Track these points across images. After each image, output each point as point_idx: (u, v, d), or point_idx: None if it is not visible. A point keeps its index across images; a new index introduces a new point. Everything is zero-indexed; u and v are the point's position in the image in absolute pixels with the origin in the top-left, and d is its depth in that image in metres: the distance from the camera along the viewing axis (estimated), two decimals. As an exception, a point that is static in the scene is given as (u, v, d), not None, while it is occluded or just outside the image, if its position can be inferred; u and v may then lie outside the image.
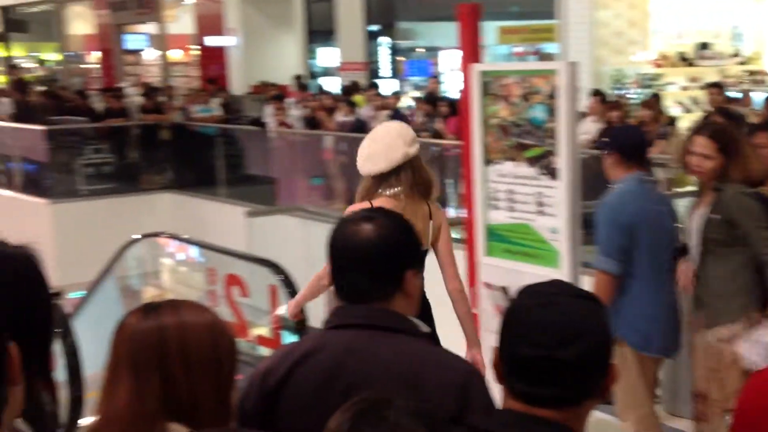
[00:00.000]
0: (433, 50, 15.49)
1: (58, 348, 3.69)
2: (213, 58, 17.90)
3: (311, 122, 11.78)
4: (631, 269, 3.69)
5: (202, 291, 6.20)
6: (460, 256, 3.95)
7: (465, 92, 4.19)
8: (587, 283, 3.62)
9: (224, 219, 10.36)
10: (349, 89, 12.68)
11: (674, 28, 12.11)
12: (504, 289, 3.96)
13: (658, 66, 11.92)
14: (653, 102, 9.26)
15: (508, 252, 3.98)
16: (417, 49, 16.15)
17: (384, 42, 15.69)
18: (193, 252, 6.87)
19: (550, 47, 12.96)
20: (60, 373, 3.85)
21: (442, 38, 14.73)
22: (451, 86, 13.59)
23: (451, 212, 8.96)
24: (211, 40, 17.83)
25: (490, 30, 12.87)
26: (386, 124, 3.89)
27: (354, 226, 1.94)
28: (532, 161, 3.87)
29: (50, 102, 15.14)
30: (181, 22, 19.43)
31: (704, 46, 12.28)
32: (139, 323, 1.72)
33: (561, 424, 1.52)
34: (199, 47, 18.66)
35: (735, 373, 3.59)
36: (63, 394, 3.85)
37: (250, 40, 16.97)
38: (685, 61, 12.10)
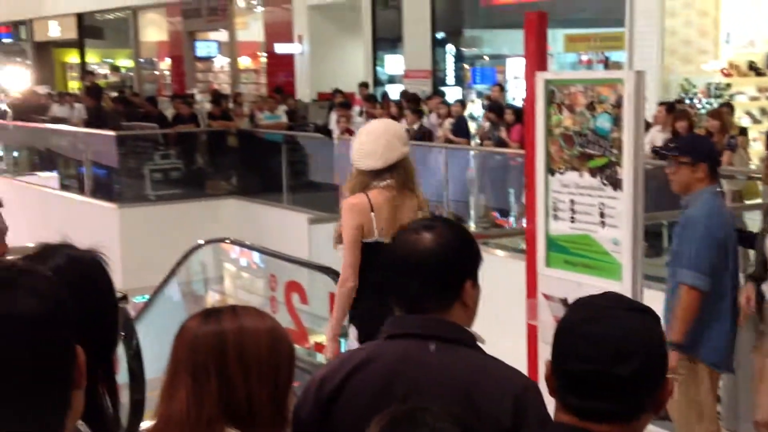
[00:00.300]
0: (498, 58, 15.41)
1: (121, 351, 3.75)
2: (281, 65, 18.10)
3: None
4: (717, 286, 3.62)
5: (263, 297, 6.25)
6: (520, 266, 3.91)
7: (529, 101, 4.15)
8: (649, 297, 3.55)
9: (287, 225, 10.44)
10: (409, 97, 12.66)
11: (745, 37, 11.83)
12: (564, 301, 3.90)
13: (727, 75, 11.65)
14: (720, 112, 9.05)
15: (568, 263, 3.92)
16: (483, 57, 16.08)
17: (450, 50, 15.66)
18: (255, 258, 6.93)
19: (617, 55, 12.77)
20: (122, 376, 3.93)
21: (508, 46, 14.65)
22: (516, 94, 13.50)
23: (512, 222, 8.89)
24: (279, 48, 18.03)
25: (557, 38, 12.75)
26: (383, 122, 4.24)
27: (414, 235, 1.94)
28: (596, 171, 3.80)
29: (122, 108, 15.49)
30: (251, 29, 19.71)
31: (775, 55, 11.97)
32: (199, 328, 1.73)
33: None
34: (267, 54, 18.89)
35: None
36: (124, 397, 3.91)
37: (317, 48, 17.12)
38: (754, 70, 11.80)
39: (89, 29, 24.34)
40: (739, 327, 3.81)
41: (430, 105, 11.96)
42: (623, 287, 3.53)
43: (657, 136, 8.49)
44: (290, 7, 17.47)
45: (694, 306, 3.60)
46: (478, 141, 10.98)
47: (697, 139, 4.88)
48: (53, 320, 1.17)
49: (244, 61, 20.54)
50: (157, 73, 23.22)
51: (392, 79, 16.41)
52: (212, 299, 6.95)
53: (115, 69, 25.22)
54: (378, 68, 16.64)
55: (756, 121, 11.23)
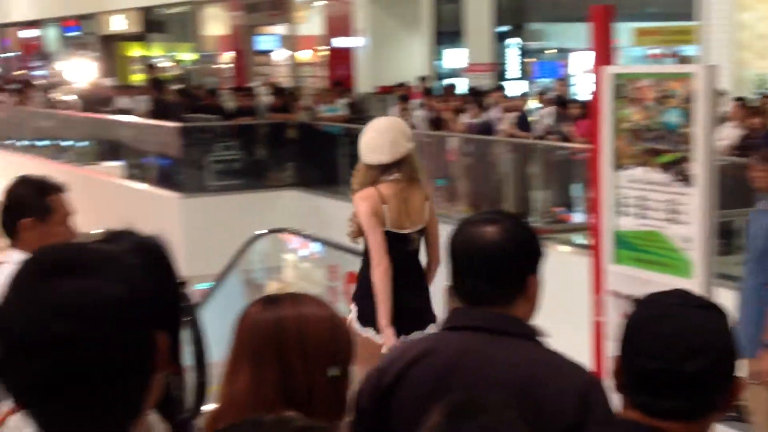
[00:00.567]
0: (563, 51, 15.23)
1: (185, 336, 3.79)
2: (340, 58, 18.16)
3: (436, 123, 11.77)
4: None
5: (323, 287, 6.27)
6: (583, 262, 3.85)
7: (596, 95, 4.08)
8: (723, 295, 3.46)
9: (346, 217, 10.46)
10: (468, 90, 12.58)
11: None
12: (631, 298, 3.83)
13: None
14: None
15: (636, 260, 3.85)
16: (547, 51, 15.91)
17: (513, 43, 15.52)
18: (315, 248, 6.97)
19: (689, 50, 12.52)
20: (185, 359, 3.96)
21: (574, 39, 14.46)
22: (581, 88, 13.34)
23: (578, 217, 8.77)
24: (339, 41, 18.09)
25: (625, 31, 12.56)
26: (388, 119, 4.51)
27: (478, 228, 1.93)
28: (665, 167, 3.72)
29: (184, 100, 15.72)
30: (311, 23, 19.81)
31: None
32: (259, 314, 1.76)
33: None
34: (327, 48, 18.97)
35: None
36: (188, 380, 3.96)
37: (377, 41, 17.13)
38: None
39: (153, 23, 24.76)
40: None
41: (492, 99, 11.87)
42: (694, 285, 3.45)
43: (731, 132, 8.30)
44: (351, 0, 17.51)
45: None
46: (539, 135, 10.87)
47: None
48: (137, 305, 1.18)
49: (304, 55, 20.66)
50: (218, 66, 23.51)
51: (452, 73, 16.35)
52: (272, 288, 7.01)
53: (177, 62, 25.60)
54: (438, 62, 16.58)
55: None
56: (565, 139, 9.92)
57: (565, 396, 1.81)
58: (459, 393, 1.51)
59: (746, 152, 6.48)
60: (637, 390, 1.50)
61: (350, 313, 4.16)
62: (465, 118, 11.17)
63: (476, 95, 11.87)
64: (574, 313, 3.98)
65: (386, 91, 15.45)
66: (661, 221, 3.74)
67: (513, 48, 15.52)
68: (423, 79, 14.61)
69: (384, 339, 3.97)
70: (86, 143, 16.03)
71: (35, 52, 27.92)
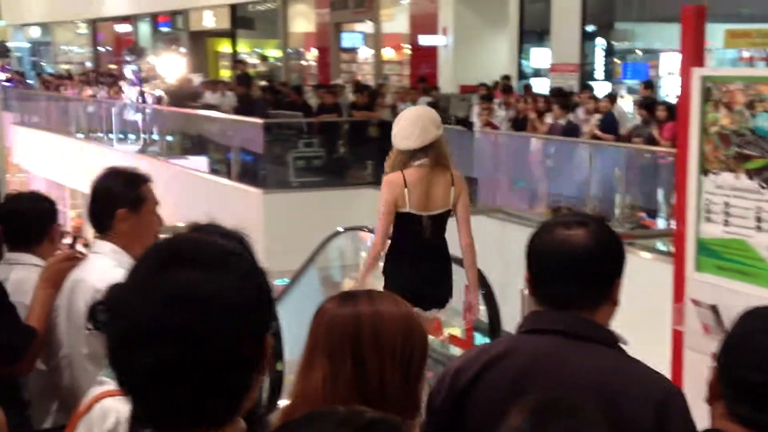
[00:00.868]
0: (651, 52, 14.91)
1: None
2: (424, 57, 18.15)
3: (518, 123, 11.67)
4: None
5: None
6: (665, 269, 3.77)
7: (683, 97, 3.99)
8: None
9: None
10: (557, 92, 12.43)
11: None
12: (713, 308, 3.74)
13: None
14: None
15: (720, 269, 3.75)
16: (635, 51, 15.59)
17: (600, 43, 15.26)
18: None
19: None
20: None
21: (663, 40, 14.15)
22: (669, 90, 13.04)
23: (661, 223, 8.58)
24: (423, 40, 18.09)
25: (716, 33, 12.21)
26: (420, 108, 4.99)
27: (566, 231, 1.90)
28: (754, 173, 3.61)
29: (269, 96, 15.94)
30: (396, 21, 19.85)
31: None
32: (336, 309, 1.76)
33: None
34: (411, 46, 18.98)
35: None
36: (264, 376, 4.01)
37: (461, 40, 17.06)
38: None
39: (241, 20, 25.16)
40: None
41: (579, 99, 11.70)
42: (780, 297, 3.35)
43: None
44: (436, -2, 17.51)
45: None
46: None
47: None
48: (256, 305, 1.19)
49: (388, 53, 20.72)
50: (303, 63, 23.76)
51: (537, 73, 16.17)
52: (348, 285, 7.05)
53: (263, 59, 25.97)
54: (523, 61, 16.42)
55: None
56: (651, 142, 9.70)
57: (643, 405, 1.78)
58: (541, 394, 1.49)
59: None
60: (736, 402, 1.48)
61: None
62: (549, 119, 11.04)
63: (560, 95, 11.71)
64: (656, 321, 3.90)
65: (469, 90, 15.38)
66: (748, 229, 3.63)
67: (599, 48, 15.27)
68: (506, 78, 14.48)
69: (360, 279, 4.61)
70: (172, 137, 16.40)
71: (128, 46, 28.68)
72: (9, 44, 36.02)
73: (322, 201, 11.73)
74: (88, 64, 30.94)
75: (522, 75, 16.12)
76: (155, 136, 16.68)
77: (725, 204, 3.74)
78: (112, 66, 29.14)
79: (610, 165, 9.61)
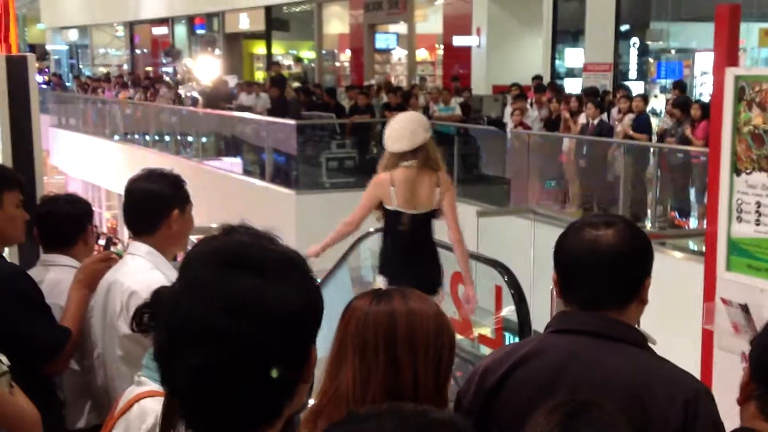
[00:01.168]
0: (686, 52, 14.76)
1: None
2: (457, 57, 18.12)
3: (551, 123, 11.61)
4: None
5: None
6: (697, 268, 3.74)
7: (717, 97, 3.96)
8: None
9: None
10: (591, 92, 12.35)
11: None
12: (744, 307, 3.70)
13: None
14: None
15: (751, 268, 3.71)
16: (669, 51, 15.44)
17: (634, 42, 15.14)
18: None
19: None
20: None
21: (698, 39, 14.01)
22: (704, 90, 12.90)
23: (693, 223, 8.50)
24: (457, 40, 18.06)
25: (752, 32, 12.06)
26: (411, 114, 5.26)
27: (593, 232, 1.89)
28: (787, 173, 3.57)
29: (303, 98, 16.00)
30: (430, 21, 19.85)
31: None
32: (368, 307, 1.75)
33: None
34: (444, 47, 18.96)
35: None
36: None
37: (495, 40, 17.01)
38: None
39: (276, 21, 25.28)
40: None
41: (612, 100, 11.62)
42: (812, 297, 3.31)
43: None
44: (470, -1, 17.47)
45: None
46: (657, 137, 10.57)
47: None
48: (305, 316, 1.19)
49: (422, 54, 20.71)
50: (337, 64, 23.82)
51: (571, 73, 16.07)
52: (379, 286, 7.06)
53: (298, 60, 26.07)
54: (557, 61, 16.33)
55: None
56: (684, 141, 9.61)
57: (671, 405, 1.77)
58: (569, 396, 1.48)
59: None
60: None
61: (376, 280, 5.01)
62: (582, 119, 10.98)
63: (593, 95, 11.64)
64: (686, 321, 3.87)
65: (502, 91, 15.34)
66: (781, 229, 3.60)
67: (633, 47, 15.14)
68: (538, 78, 14.42)
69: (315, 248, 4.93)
70: (206, 139, 16.51)
71: (164, 49, 28.94)
72: (48, 47, 36.51)
73: (354, 202, 11.63)
74: (125, 67, 31.28)
75: (555, 75, 16.03)
76: (190, 138, 16.81)
77: (757, 204, 3.70)
78: (149, 68, 29.44)
79: (643, 165, 9.53)
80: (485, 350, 5.26)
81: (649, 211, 9.25)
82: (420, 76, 19.14)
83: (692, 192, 8.93)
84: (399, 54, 21.44)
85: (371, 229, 7.15)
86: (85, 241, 3.06)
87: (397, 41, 21.38)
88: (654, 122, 11.25)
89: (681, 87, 11.98)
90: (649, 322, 1.95)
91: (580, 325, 1.88)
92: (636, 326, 1.94)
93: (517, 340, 4.97)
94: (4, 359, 2.14)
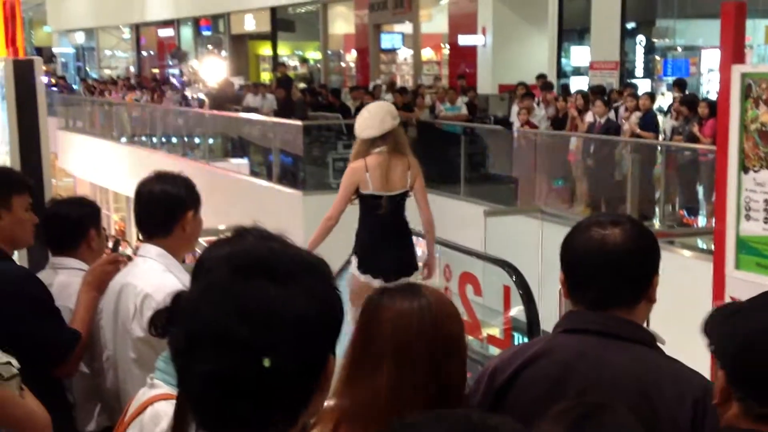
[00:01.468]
0: (692, 49, 14.73)
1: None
2: (463, 56, 18.11)
3: (558, 122, 11.60)
4: None
5: (438, 287, 6.25)
6: (706, 267, 3.73)
7: (723, 95, 3.95)
8: None
9: (463, 217, 10.45)
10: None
11: None
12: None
13: None
14: None
15: (760, 266, 3.70)
16: (675, 48, 15.40)
17: (640, 40, 15.11)
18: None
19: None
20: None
21: (704, 37, 13.97)
22: (711, 87, 12.87)
23: (702, 221, 8.48)
24: (462, 39, 18.05)
25: (758, 29, 12.02)
26: (379, 103, 5.66)
27: (600, 231, 1.89)
28: (795, 170, 3.56)
29: (309, 98, 16.01)
30: (435, 21, 19.84)
31: None
32: (401, 305, 1.68)
33: None
34: (450, 46, 18.96)
35: None
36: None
37: (500, 39, 16.99)
38: None
39: (282, 22, 25.31)
40: None
41: (616, 97, 11.59)
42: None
43: None
44: (475, -3, 17.46)
45: None
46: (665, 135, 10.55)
47: None
48: (325, 325, 1.18)
49: (427, 53, 20.71)
50: (343, 65, 23.83)
51: (577, 71, 16.04)
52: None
53: (304, 61, 26.08)
54: (563, 60, 16.31)
55: None
56: (692, 139, 9.59)
57: (681, 403, 1.78)
58: (577, 397, 1.47)
59: None
60: (756, 401, 1.45)
61: (350, 261, 5.17)
62: (589, 117, 10.96)
63: (599, 93, 11.63)
64: (696, 319, 3.86)
65: (508, 89, 15.33)
66: (789, 227, 3.59)
67: (639, 45, 15.11)
68: (542, 77, 14.41)
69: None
70: (213, 140, 16.54)
71: (170, 50, 29.00)
72: (54, 50, 36.62)
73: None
74: (132, 69, 31.35)
75: (561, 73, 16.01)
76: (197, 140, 16.83)
77: (765, 201, 3.69)
78: (155, 70, 29.49)
79: (651, 163, 9.52)
80: (494, 350, 5.26)
81: (657, 210, 9.23)
82: (434, 76, 19.07)
83: (700, 190, 8.91)
84: (404, 54, 21.44)
85: (378, 230, 7.15)
86: (88, 244, 3.04)
87: (403, 41, 21.38)
88: (661, 120, 11.24)
89: (681, 85, 11.99)
90: (657, 321, 1.95)
91: (588, 325, 1.88)
92: (645, 325, 1.94)
93: (525, 340, 4.97)
94: (14, 362, 2.15)
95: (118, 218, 21.56)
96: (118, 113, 20.01)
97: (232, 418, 1.15)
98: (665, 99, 13.10)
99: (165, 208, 2.69)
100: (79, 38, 35.88)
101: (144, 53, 32.15)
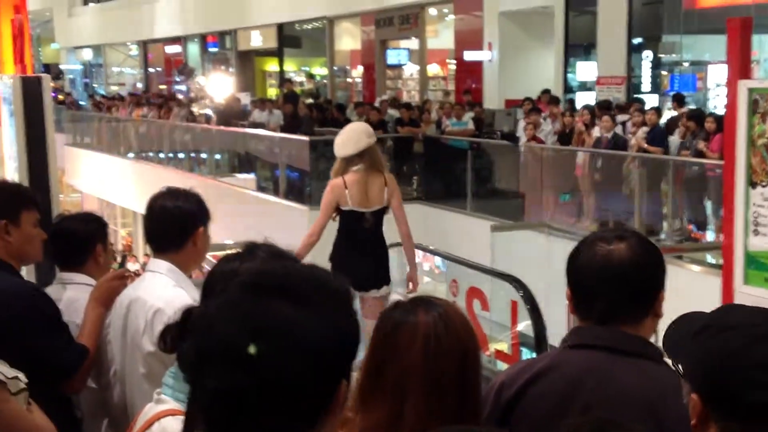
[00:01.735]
0: (699, 64, 14.74)
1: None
2: (469, 72, 18.15)
3: (564, 137, 11.60)
4: None
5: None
6: (715, 282, 3.72)
7: (730, 109, 3.95)
8: None
9: (470, 232, 10.45)
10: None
11: None
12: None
13: None
14: None
15: (769, 282, 3.69)
16: (682, 63, 15.41)
17: (647, 55, 15.12)
18: (438, 263, 6.97)
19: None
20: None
21: (711, 52, 13.98)
22: (718, 102, 12.86)
23: (710, 236, 8.45)
24: (468, 55, 18.10)
25: (765, 44, 12.02)
26: (355, 124, 6.05)
27: (606, 246, 1.90)
28: (803, 185, 3.55)
29: (316, 114, 16.06)
30: (441, 37, 19.90)
31: None
32: (434, 327, 1.62)
33: None
34: (456, 62, 19.01)
35: None
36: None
37: (506, 55, 17.03)
38: None
39: (288, 38, 25.42)
40: None
41: (627, 112, 11.60)
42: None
43: None
44: (481, 14, 17.49)
45: None
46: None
47: None
48: (339, 350, 1.18)
49: (433, 69, 20.76)
50: (349, 80, 23.90)
51: (584, 86, 16.06)
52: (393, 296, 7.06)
53: (310, 77, 26.17)
54: (569, 75, 16.34)
55: None
56: (699, 154, 9.58)
57: (688, 419, 1.77)
58: (584, 416, 1.45)
59: None
60: (733, 423, 1.40)
61: None
62: (596, 132, 10.96)
63: (606, 108, 11.64)
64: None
65: (513, 105, 15.36)
66: (798, 242, 3.58)
67: (646, 60, 15.13)
68: (546, 92, 14.44)
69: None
70: (220, 156, 16.59)
71: (177, 67, 29.14)
72: (62, 66, 36.82)
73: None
74: (139, 85, 31.49)
75: (568, 88, 16.03)
76: (204, 155, 16.89)
77: (774, 216, 3.68)
78: (162, 86, 29.62)
79: (658, 178, 9.50)
80: (502, 366, 5.25)
81: (665, 224, 9.21)
82: (443, 91, 19.09)
83: (709, 205, 8.89)
84: (411, 69, 21.49)
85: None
86: (96, 260, 3.05)
87: (409, 57, 21.44)
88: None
89: (679, 100, 12.02)
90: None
91: (594, 340, 1.88)
92: (652, 340, 1.93)
93: (533, 355, 4.96)
94: (22, 376, 2.15)
95: (125, 233, 21.61)
96: (126, 129, 20.09)
97: None
98: (672, 114, 13.11)
99: (178, 223, 2.69)
100: (87, 55, 36.08)
101: (151, 69, 32.31)
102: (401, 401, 1.60)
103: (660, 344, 1.92)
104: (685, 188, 9.40)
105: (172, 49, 30.27)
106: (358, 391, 1.64)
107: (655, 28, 15.23)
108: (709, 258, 7.61)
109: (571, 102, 14.10)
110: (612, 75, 14.56)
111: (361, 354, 1.57)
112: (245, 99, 20.43)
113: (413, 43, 20.84)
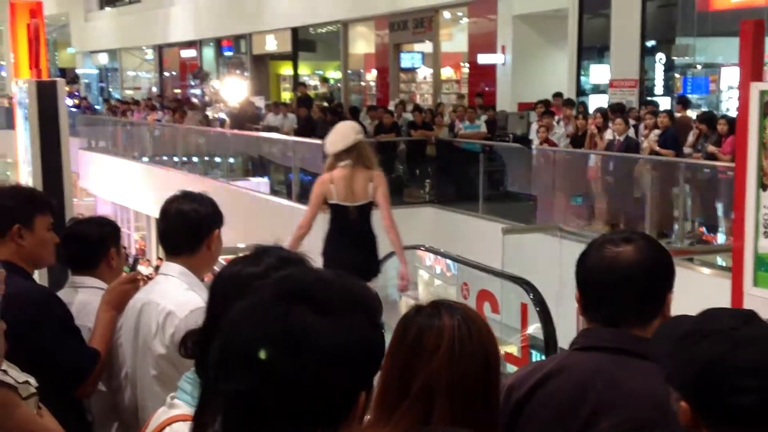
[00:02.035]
0: (712, 67, 14.67)
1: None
2: (483, 75, 18.14)
3: (577, 140, 11.58)
4: None
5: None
6: (725, 284, 3.72)
7: (742, 112, 3.95)
8: None
9: (481, 234, 10.44)
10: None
11: None
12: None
13: None
14: None
15: (780, 285, 3.68)
16: (695, 66, 15.35)
17: (659, 58, 15.08)
18: (449, 266, 6.96)
19: None
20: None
21: (724, 54, 13.92)
22: (731, 104, 12.81)
23: (721, 238, 8.42)
24: (482, 58, 18.09)
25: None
26: (344, 123, 6.05)
27: (614, 248, 1.90)
28: (814, 188, 3.54)
29: (330, 117, 16.08)
30: (455, 40, 19.89)
31: None
32: (456, 332, 1.60)
33: None
34: (469, 65, 18.99)
35: None
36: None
37: (520, 58, 17.00)
38: None
39: (302, 42, 25.44)
40: None
41: (639, 115, 11.56)
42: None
43: None
44: (495, 17, 17.48)
45: None
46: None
47: None
48: (362, 362, 1.18)
49: (447, 72, 20.76)
50: (363, 84, 23.92)
51: (597, 89, 16.02)
52: (406, 305, 7.06)
53: (324, 80, 26.20)
54: (582, 78, 16.29)
55: None
56: (711, 157, 9.54)
57: None
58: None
59: None
60: (727, 429, 1.41)
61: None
62: (609, 135, 10.94)
63: (619, 111, 11.62)
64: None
65: (526, 108, 15.34)
66: (808, 245, 3.56)
67: (659, 63, 15.08)
68: (558, 95, 14.41)
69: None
70: (234, 159, 16.63)
71: (192, 71, 29.23)
72: (78, 71, 37.02)
73: (380, 220, 11.72)
74: (154, 89, 31.62)
75: (581, 91, 15.99)
76: (218, 159, 16.93)
77: (784, 219, 3.67)
78: (177, 90, 29.72)
79: (670, 180, 9.47)
80: (511, 368, 5.25)
81: (676, 227, 9.18)
82: (457, 94, 19.10)
83: (720, 207, 8.85)
84: (424, 73, 21.49)
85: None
86: (108, 263, 3.07)
87: (423, 60, 21.43)
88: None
89: (684, 103, 11.97)
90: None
91: (603, 342, 1.89)
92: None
93: (543, 357, 4.96)
94: (33, 380, 2.16)
95: (138, 237, 21.70)
96: (140, 133, 20.16)
97: None
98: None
99: (193, 226, 2.70)
100: (103, 59, 36.25)
101: (166, 74, 32.44)
102: (429, 406, 1.58)
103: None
104: (697, 190, 9.37)
105: (188, 53, 30.36)
106: (380, 398, 1.60)
107: (668, 31, 15.18)
108: (720, 260, 7.58)
109: (584, 105, 14.06)
110: (625, 78, 14.52)
111: None
112: (259, 102, 20.47)
113: (427, 47, 20.83)
